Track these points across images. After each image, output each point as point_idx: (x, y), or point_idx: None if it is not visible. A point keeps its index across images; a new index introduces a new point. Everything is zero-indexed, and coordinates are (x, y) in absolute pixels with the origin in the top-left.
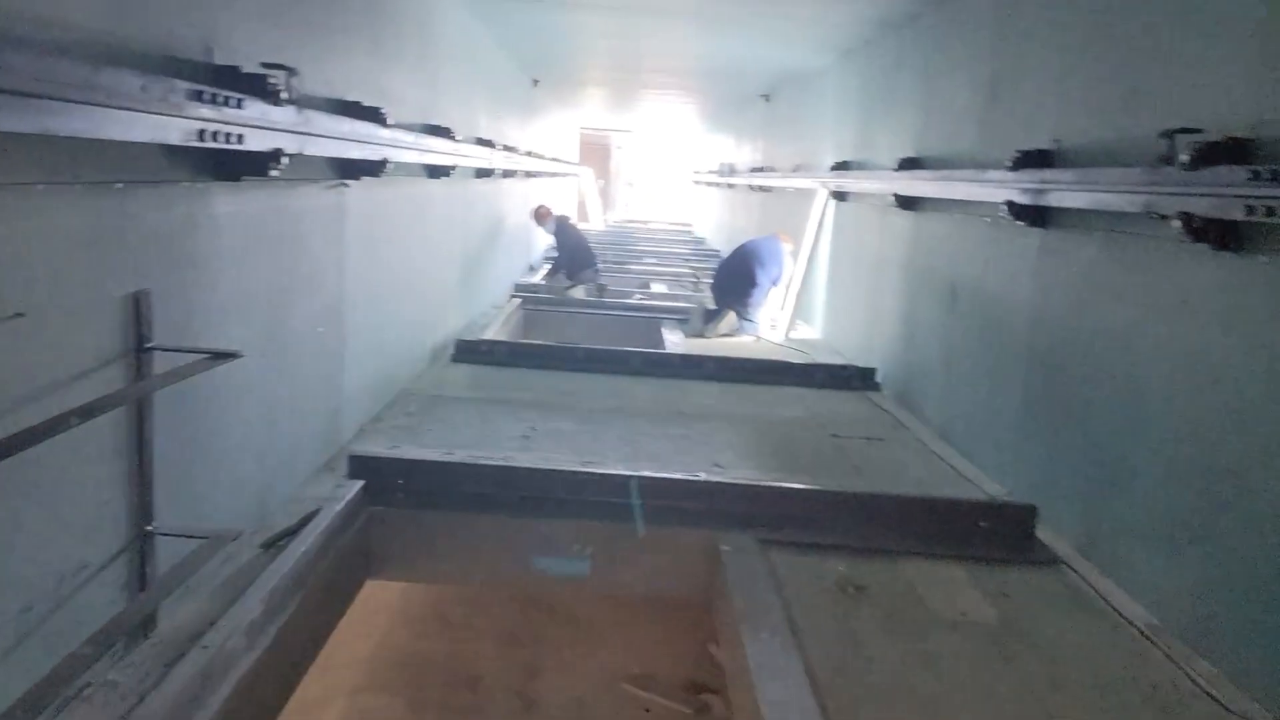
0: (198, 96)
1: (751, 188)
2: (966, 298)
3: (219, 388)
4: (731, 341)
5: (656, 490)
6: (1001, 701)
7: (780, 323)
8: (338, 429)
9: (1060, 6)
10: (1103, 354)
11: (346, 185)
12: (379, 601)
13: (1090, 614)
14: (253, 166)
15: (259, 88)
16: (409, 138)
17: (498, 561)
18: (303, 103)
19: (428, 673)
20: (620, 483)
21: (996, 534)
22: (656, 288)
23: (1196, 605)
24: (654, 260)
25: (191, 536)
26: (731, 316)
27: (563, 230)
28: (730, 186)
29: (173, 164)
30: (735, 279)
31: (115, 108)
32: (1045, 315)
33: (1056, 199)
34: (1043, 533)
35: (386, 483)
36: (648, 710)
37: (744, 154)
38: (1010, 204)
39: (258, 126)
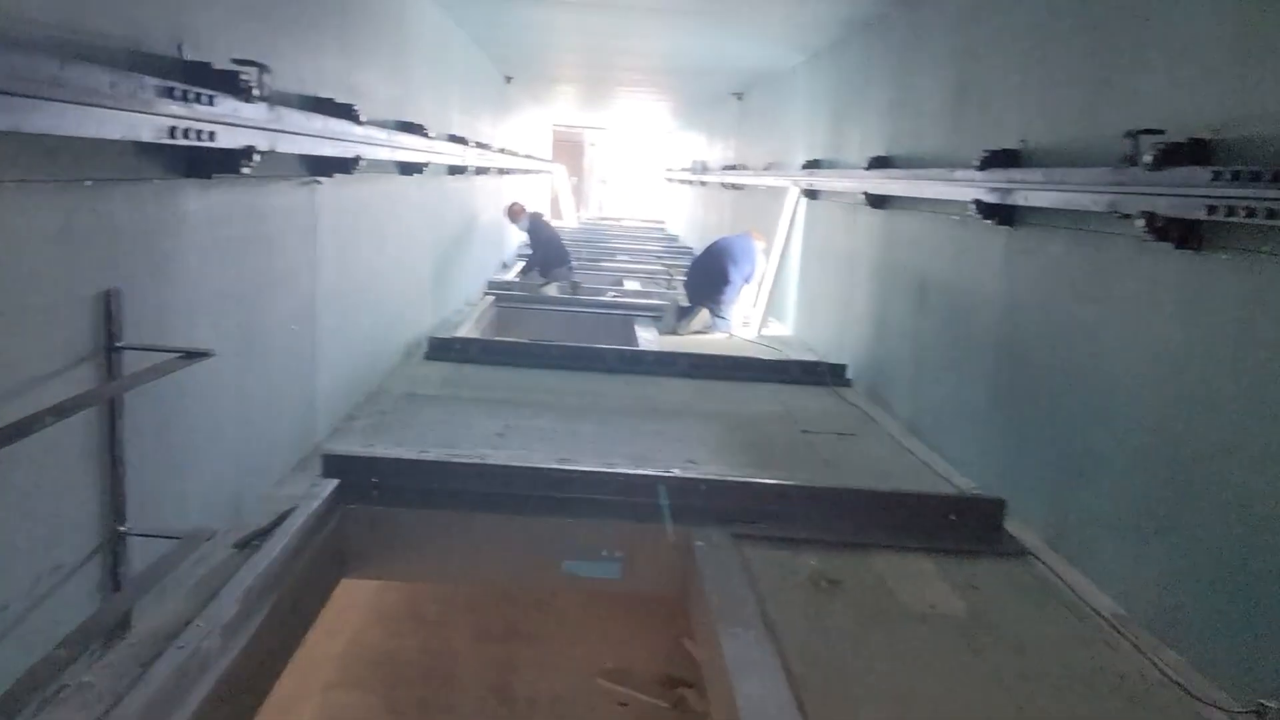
0: (168, 93)
1: (724, 186)
2: (936, 295)
3: (191, 387)
4: (704, 338)
5: (630, 487)
6: (971, 692)
7: (752, 320)
8: (311, 428)
9: (1026, 9)
10: (1069, 349)
11: (319, 182)
12: (354, 600)
13: (1058, 605)
14: (224, 164)
15: (231, 84)
16: (382, 135)
17: (472, 559)
18: (275, 99)
19: (403, 670)
20: (599, 480)
21: (965, 527)
22: (630, 285)
23: (1163, 595)
24: (627, 257)
25: (165, 537)
26: (704, 314)
27: (536, 227)
28: (703, 184)
29: (143, 161)
30: (708, 276)
31: (84, 104)
32: (1013, 311)
33: (1023, 198)
34: (1011, 525)
35: (361, 481)
36: (624, 705)
37: (716, 152)
38: (978, 203)
39: (229, 124)
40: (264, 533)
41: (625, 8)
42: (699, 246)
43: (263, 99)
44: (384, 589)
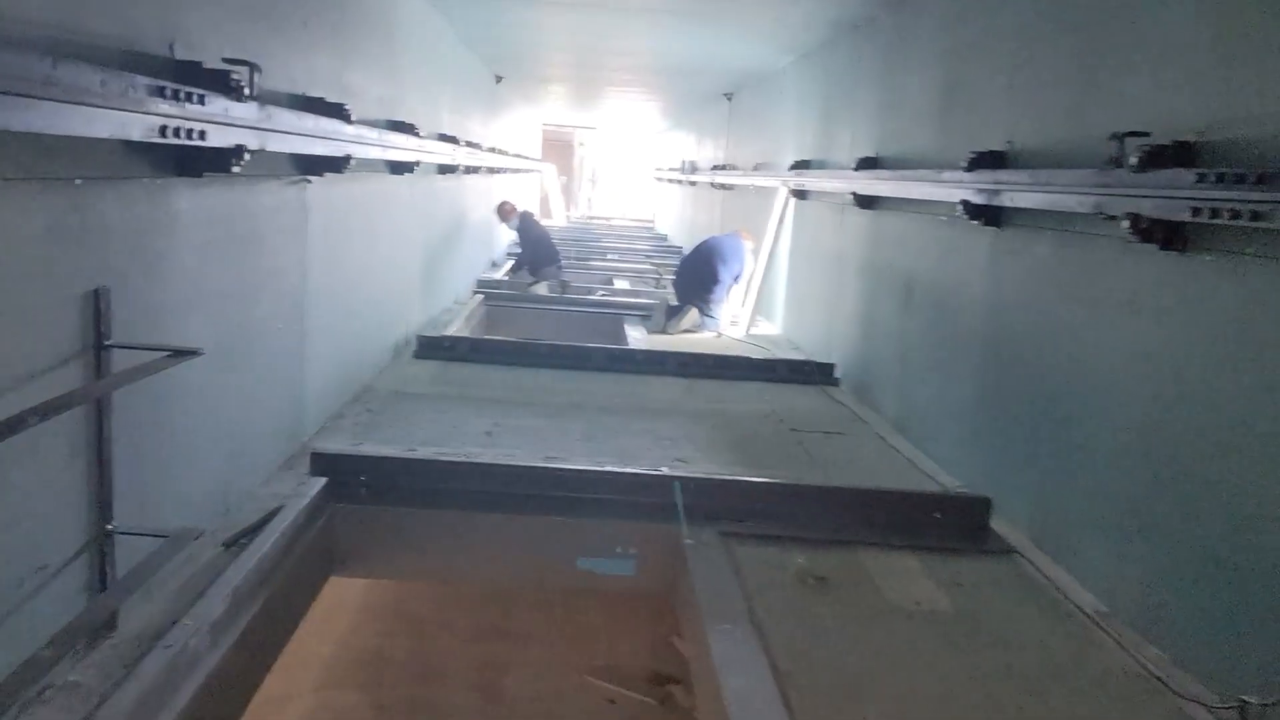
0: (159, 92)
1: (713, 185)
2: (923, 294)
3: (180, 385)
4: (693, 337)
5: (620, 485)
6: (955, 688)
7: (741, 319)
8: (300, 426)
9: (1013, 12)
10: (1054, 349)
11: (309, 181)
12: (342, 598)
13: (1042, 602)
14: (215, 163)
15: (222, 83)
16: (372, 134)
17: (461, 557)
18: (266, 99)
19: (392, 669)
20: (588, 478)
21: (951, 525)
22: (619, 284)
23: (1146, 592)
24: (617, 256)
25: (153, 535)
26: (693, 313)
27: (526, 226)
28: (692, 184)
29: (133, 160)
30: (697, 276)
31: (74, 103)
32: (999, 311)
33: (1010, 199)
34: (996, 523)
35: (349, 480)
36: (612, 702)
37: (706, 152)
38: (965, 203)
39: (220, 123)
40: (252, 531)
41: (615, 8)
42: (688, 246)
43: (254, 98)
44: (372, 587)
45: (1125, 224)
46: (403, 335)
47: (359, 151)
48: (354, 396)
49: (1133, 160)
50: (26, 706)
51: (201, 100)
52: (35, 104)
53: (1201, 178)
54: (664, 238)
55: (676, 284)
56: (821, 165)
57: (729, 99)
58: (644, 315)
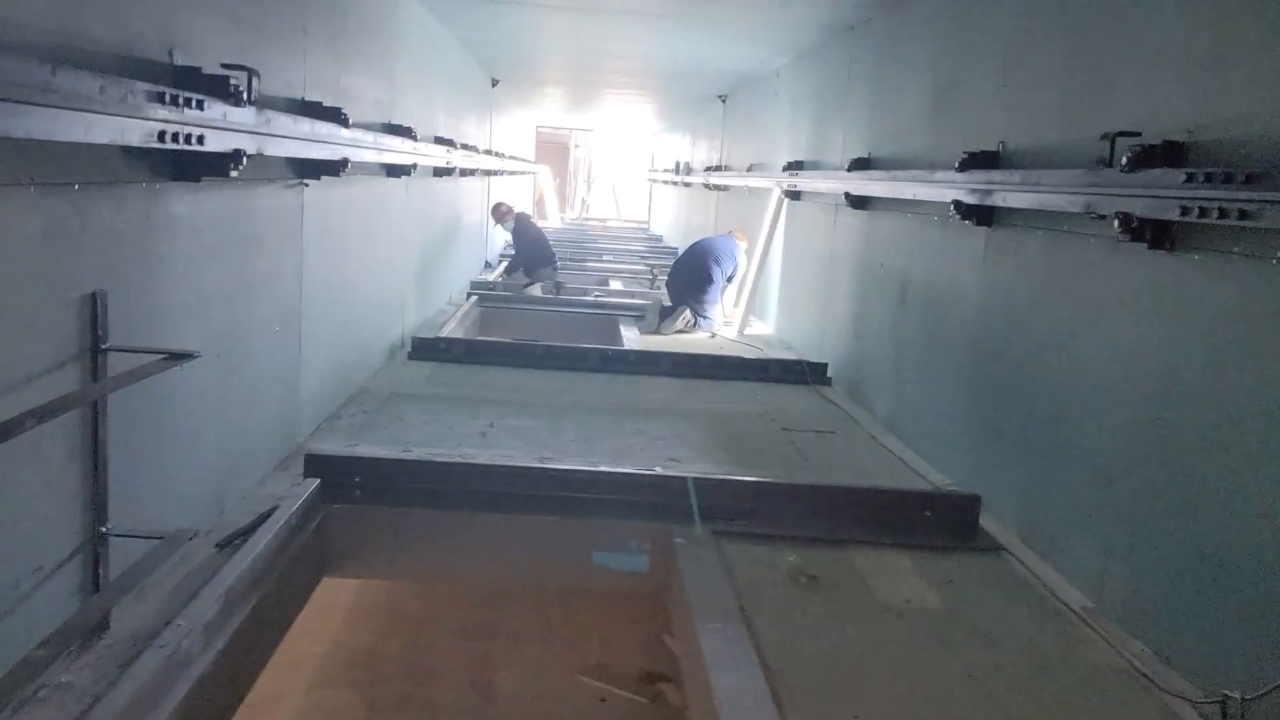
0: (158, 98)
1: (708, 186)
2: (915, 294)
3: (176, 387)
4: (687, 338)
5: (614, 485)
6: (945, 685)
7: (734, 319)
8: (294, 427)
9: (1004, 13)
10: (1044, 348)
11: (305, 185)
12: (335, 597)
13: (1030, 599)
14: (213, 167)
15: (220, 89)
16: (369, 137)
17: (455, 558)
18: (263, 103)
19: (384, 668)
20: (582, 478)
21: (941, 523)
22: (614, 285)
23: (1132, 589)
24: (611, 258)
25: (147, 537)
26: (687, 313)
27: (522, 228)
28: (687, 185)
29: (131, 164)
30: (691, 276)
31: (74, 109)
32: (990, 311)
33: (1002, 199)
34: (986, 521)
35: (343, 481)
36: (603, 700)
37: (700, 153)
38: (958, 204)
39: (218, 127)
40: (246, 532)
41: (611, 12)
42: (682, 246)
43: (251, 103)
44: (365, 587)
45: (1115, 223)
46: (398, 337)
47: (356, 155)
48: (349, 398)
49: (1123, 160)
50: (20, 707)
51: (200, 105)
52: (34, 111)
53: (1190, 177)
54: (659, 239)
55: (670, 284)
56: (815, 166)
57: (723, 101)
58: (638, 316)
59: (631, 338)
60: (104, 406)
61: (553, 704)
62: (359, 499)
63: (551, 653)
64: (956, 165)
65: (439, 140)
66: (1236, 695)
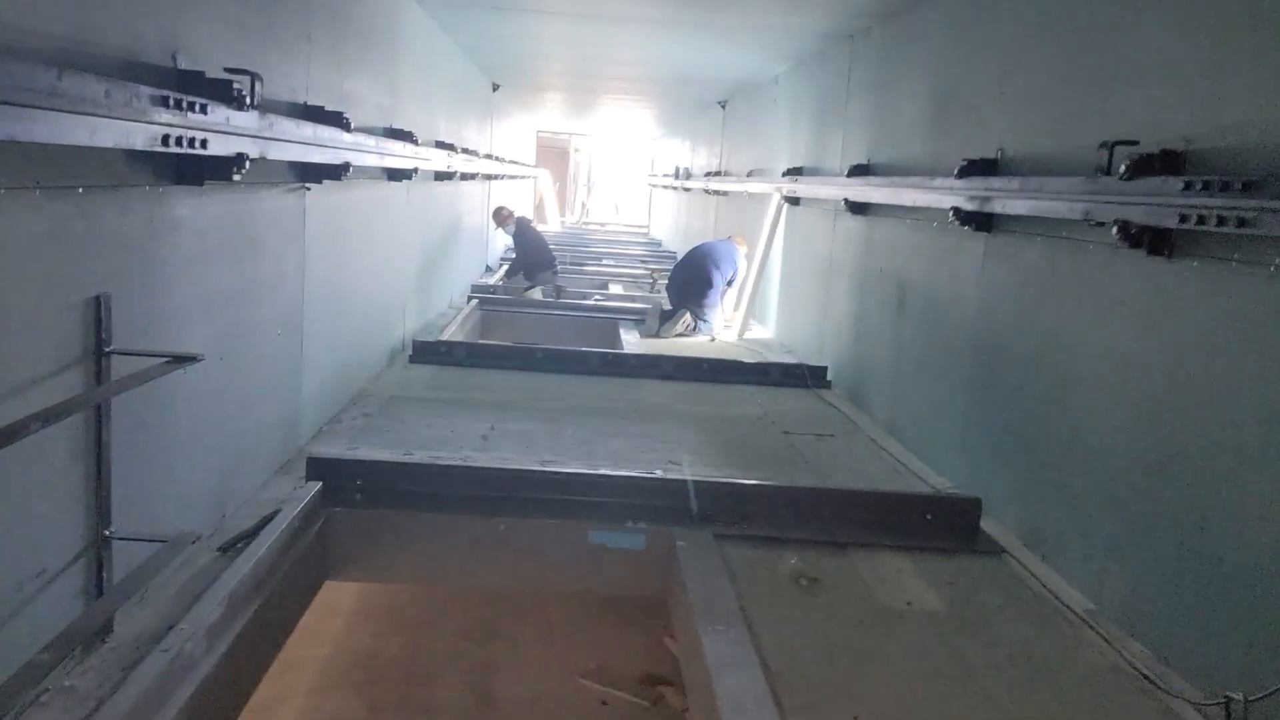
0: (162, 102)
1: (708, 192)
2: (914, 299)
3: (178, 390)
4: (687, 341)
5: (615, 488)
6: (946, 687)
7: (734, 323)
8: (296, 431)
9: (1003, 21)
10: (1044, 353)
11: (308, 188)
12: (336, 600)
13: (1031, 601)
14: (216, 171)
15: (223, 93)
16: (371, 142)
17: (457, 561)
18: (266, 107)
19: (386, 671)
20: (583, 482)
21: (942, 526)
22: (614, 289)
23: (1132, 591)
24: (611, 262)
25: (150, 540)
26: (687, 317)
27: (522, 231)
28: (686, 190)
29: (134, 168)
30: (691, 280)
31: (79, 114)
32: (989, 316)
33: (1001, 206)
34: (987, 524)
35: (345, 484)
36: (605, 703)
37: (700, 158)
38: (957, 210)
39: (221, 131)
40: (248, 536)
41: (612, 18)
42: (682, 251)
43: (255, 107)
44: (366, 590)
45: (1114, 230)
46: (399, 340)
47: (357, 159)
48: (350, 401)
49: (1121, 168)
50: (24, 710)
51: (204, 109)
52: (40, 114)
53: (1189, 185)
54: (659, 243)
55: (670, 288)
56: (814, 172)
57: (723, 107)
58: (638, 320)
59: (632, 341)
60: (108, 410)
61: (553, 706)
62: (360, 502)
63: (552, 655)
64: (955, 172)
65: (440, 144)
66: (1240, 697)
